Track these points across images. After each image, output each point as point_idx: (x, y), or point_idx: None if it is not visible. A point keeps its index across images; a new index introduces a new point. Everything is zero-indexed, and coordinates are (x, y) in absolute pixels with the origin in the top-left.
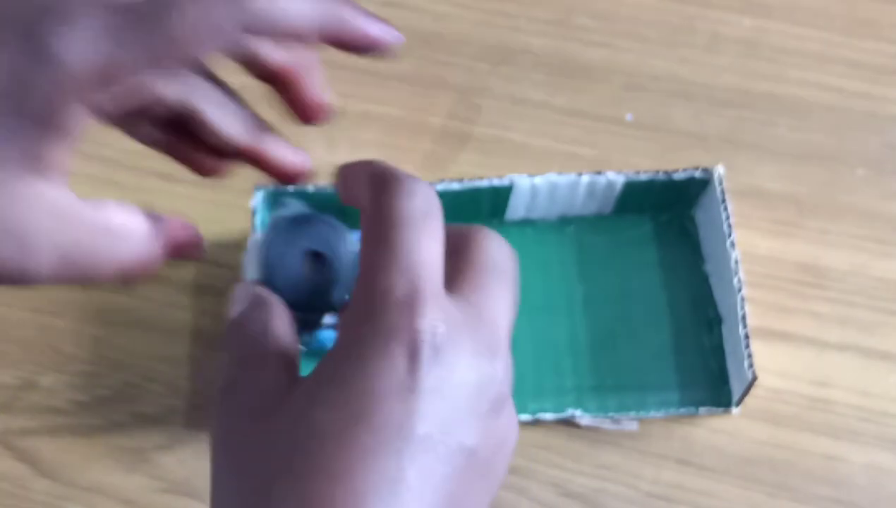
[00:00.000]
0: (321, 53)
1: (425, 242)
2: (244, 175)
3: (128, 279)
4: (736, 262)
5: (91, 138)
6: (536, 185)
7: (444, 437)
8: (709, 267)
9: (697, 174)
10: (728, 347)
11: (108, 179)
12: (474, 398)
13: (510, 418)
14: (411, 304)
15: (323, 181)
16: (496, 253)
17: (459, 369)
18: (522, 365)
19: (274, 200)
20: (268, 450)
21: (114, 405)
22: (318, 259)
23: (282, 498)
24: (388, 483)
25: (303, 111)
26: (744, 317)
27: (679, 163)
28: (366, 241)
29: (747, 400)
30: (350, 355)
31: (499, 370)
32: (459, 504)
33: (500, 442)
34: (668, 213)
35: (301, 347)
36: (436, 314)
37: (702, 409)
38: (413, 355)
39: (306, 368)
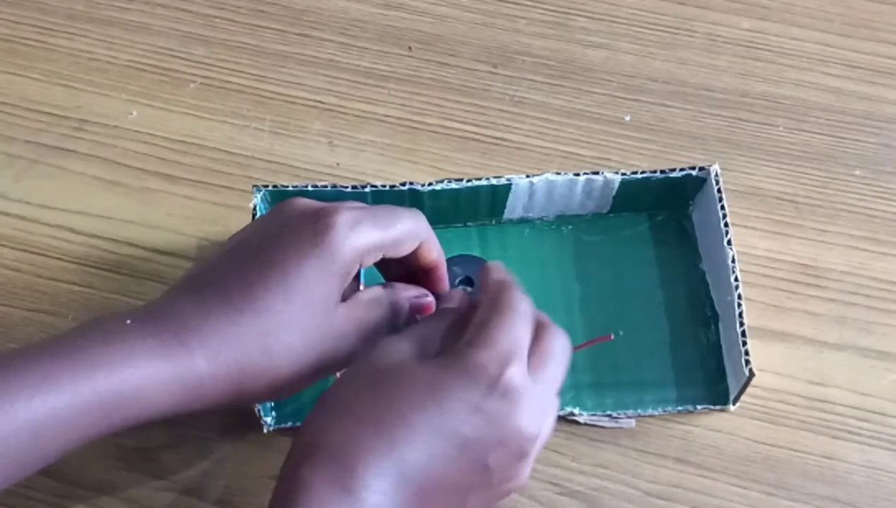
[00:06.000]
0: (317, 51)
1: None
2: (244, 176)
3: None
4: (733, 260)
5: (92, 139)
6: (534, 185)
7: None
8: (705, 265)
9: (694, 172)
10: (725, 344)
11: (111, 180)
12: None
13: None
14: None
15: (322, 181)
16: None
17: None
18: None
19: (273, 200)
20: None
21: None
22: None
23: None
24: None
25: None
26: (741, 315)
27: (677, 164)
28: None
29: (745, 398)
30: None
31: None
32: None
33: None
34: (665, 212)
35: None
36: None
37: (699, 407)
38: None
39: None
